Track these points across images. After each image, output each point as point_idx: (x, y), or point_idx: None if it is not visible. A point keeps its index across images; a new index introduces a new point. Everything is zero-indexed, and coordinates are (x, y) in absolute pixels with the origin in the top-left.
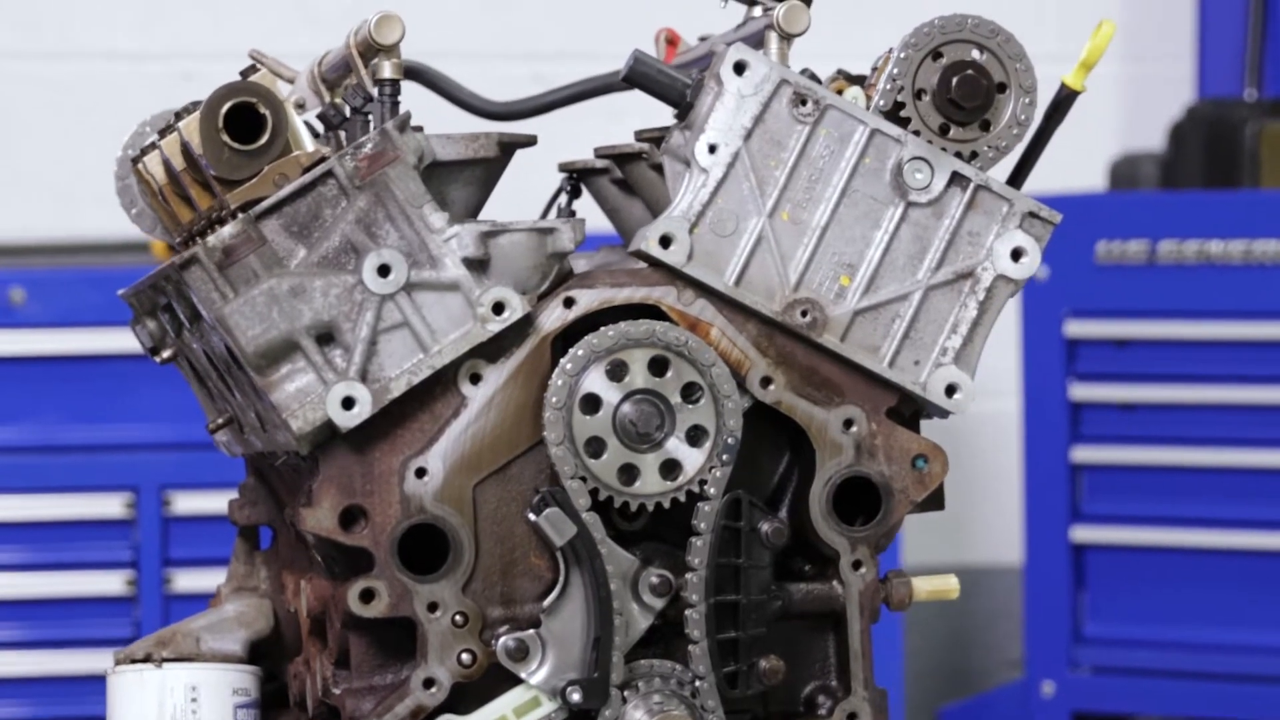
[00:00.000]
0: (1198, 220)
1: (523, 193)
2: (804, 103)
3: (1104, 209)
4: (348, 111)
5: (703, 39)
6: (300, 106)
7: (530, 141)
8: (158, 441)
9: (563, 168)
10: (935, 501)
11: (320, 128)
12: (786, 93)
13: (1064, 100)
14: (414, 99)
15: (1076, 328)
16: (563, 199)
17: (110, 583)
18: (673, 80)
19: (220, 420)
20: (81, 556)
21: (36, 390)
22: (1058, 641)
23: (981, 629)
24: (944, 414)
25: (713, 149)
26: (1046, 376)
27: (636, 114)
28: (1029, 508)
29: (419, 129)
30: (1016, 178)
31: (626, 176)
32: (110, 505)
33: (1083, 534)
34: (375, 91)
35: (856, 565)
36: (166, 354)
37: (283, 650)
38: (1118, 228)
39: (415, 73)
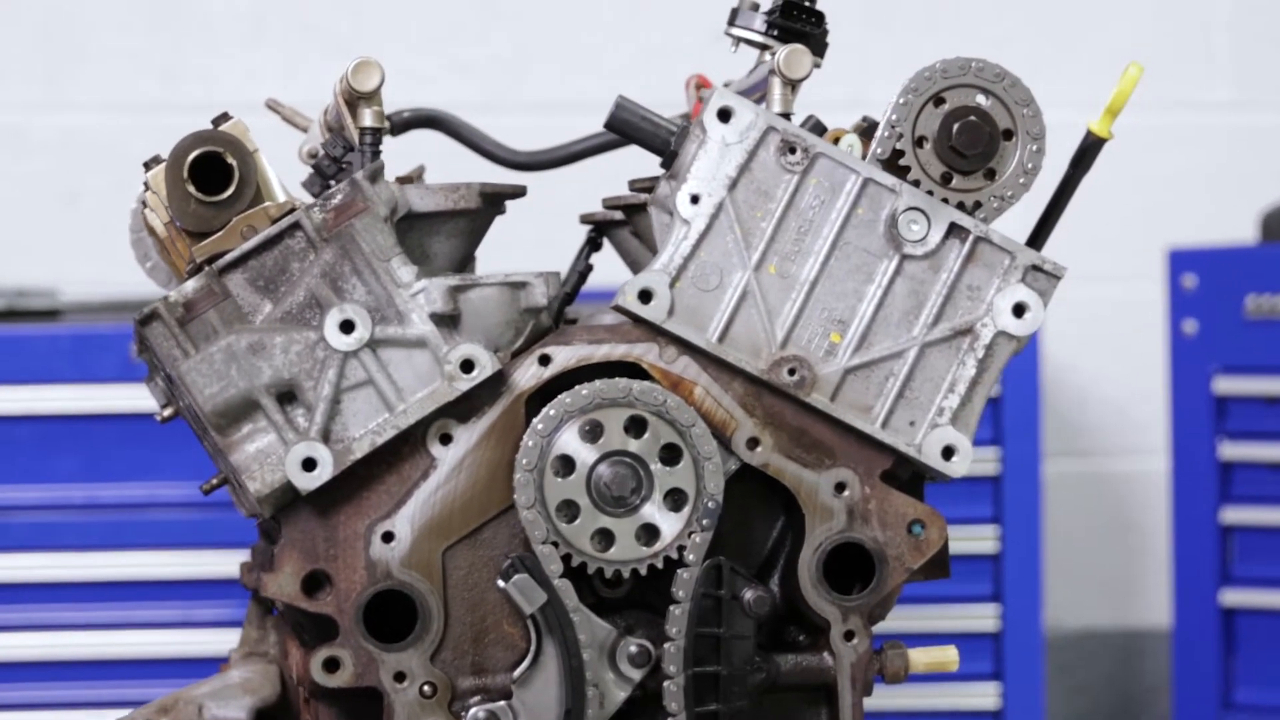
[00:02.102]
0: None
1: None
2: (792, 151)
3: (1254, 262)
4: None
5: (726, 85)
6: (313, 156)
7: (518, 192)
8: None
9: (584, 220)
10: (939, 568)
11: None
12: (774, 140)
13: (1090, 148)
14: (436, 147)
15: (1226, 384)
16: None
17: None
18: (656, 127)
19: (215, 480)
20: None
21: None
22: (1207, 707)
23: (1129, 693)
24: (942, 478)
25: (695, 199)
26: (1195, 435)
27: None
28: (1177, 570)
29: (411, 179)
30: (1040, 232)
31: (634, 227)
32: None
33: (1233, 597)
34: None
35: (849, 636)
36: (168, 412)
37: (291, 718)
38: (1269, 281)
39: (436, 121)
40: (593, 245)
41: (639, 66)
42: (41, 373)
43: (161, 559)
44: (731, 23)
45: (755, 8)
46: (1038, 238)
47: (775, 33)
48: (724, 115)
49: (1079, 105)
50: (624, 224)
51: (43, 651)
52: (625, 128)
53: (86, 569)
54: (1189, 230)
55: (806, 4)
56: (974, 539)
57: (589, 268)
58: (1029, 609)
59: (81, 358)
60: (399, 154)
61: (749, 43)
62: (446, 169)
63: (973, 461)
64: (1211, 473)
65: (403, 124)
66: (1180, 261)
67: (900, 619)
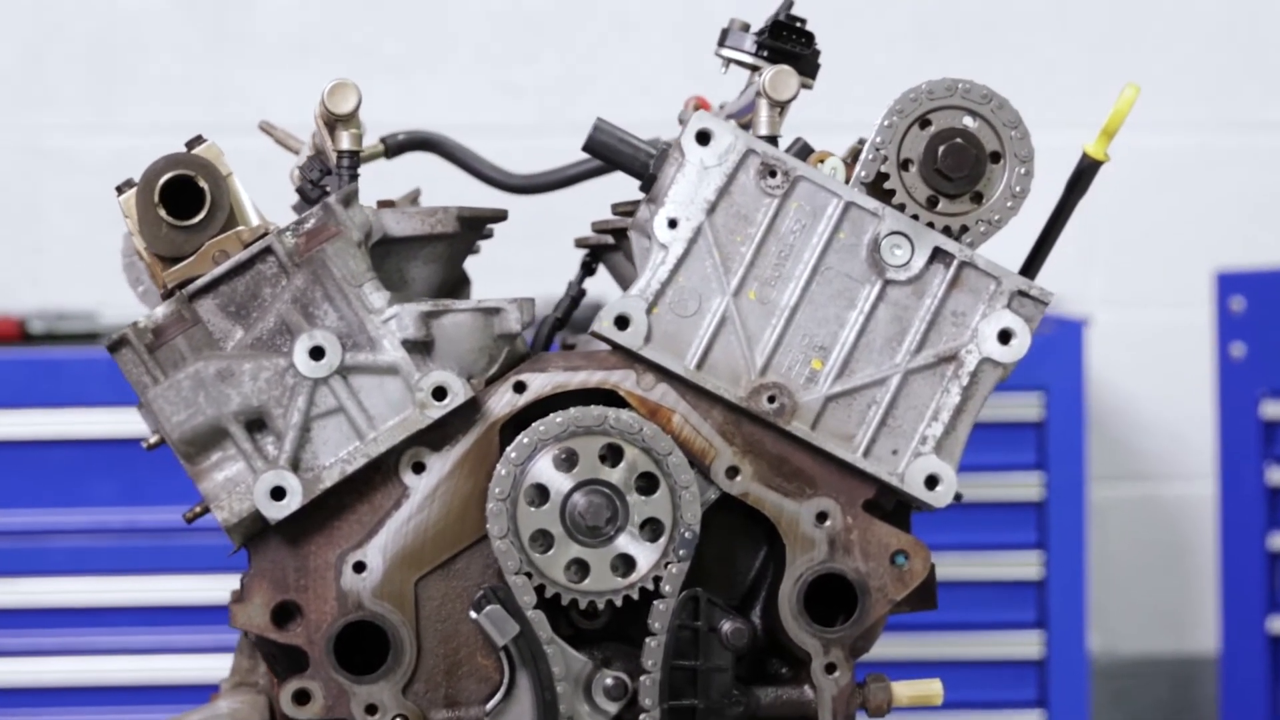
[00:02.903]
0: None
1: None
2: (773, 174)
3: None
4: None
5: (721, 107)
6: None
7: (498, 216)
8: None
9: (578, 243)
10: (926, 600)
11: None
12: (754, 163)
13: (1086, 171)
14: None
15: (1274, 409)
16: (575, 276)
17: None
18: (635, 150)
19: (198, 508)
20: None
21: None
22: None
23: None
24: (927, 508)
25: (673, 223)
26: (1243, 459)
27: None
28: (1225, 596)
29: (394, 203)
30: (1036, 257)
31: (625, 251)
32: None
33: None
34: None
35: (830, 668)
36: (154, 439)
37: None
38: None
39: (431, 144)
40: (587, 270)
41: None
42: (80, 396)
43: (200, 584)
44: (722, 43)
45: (746, 28)
46: (1033, 263)
47: (765, 54)
48: (703, 138)
49: (1136, 128)
50: (616, 248)
51: (80, 676)
52: (604, 150)
53: (125, 594)
54: (1237, 253)
55: (796, 25)
56: (1018, 565)
57: (582, 292)
58: (1073, 635)
59: (120, 381)
60: (402, 176)
61: (739, 64)
62: (444, 192)
63: (1016, 487)
64: (1259, 498)
65: (397, 146)
66: (1228, 284)
67: (942, 646)
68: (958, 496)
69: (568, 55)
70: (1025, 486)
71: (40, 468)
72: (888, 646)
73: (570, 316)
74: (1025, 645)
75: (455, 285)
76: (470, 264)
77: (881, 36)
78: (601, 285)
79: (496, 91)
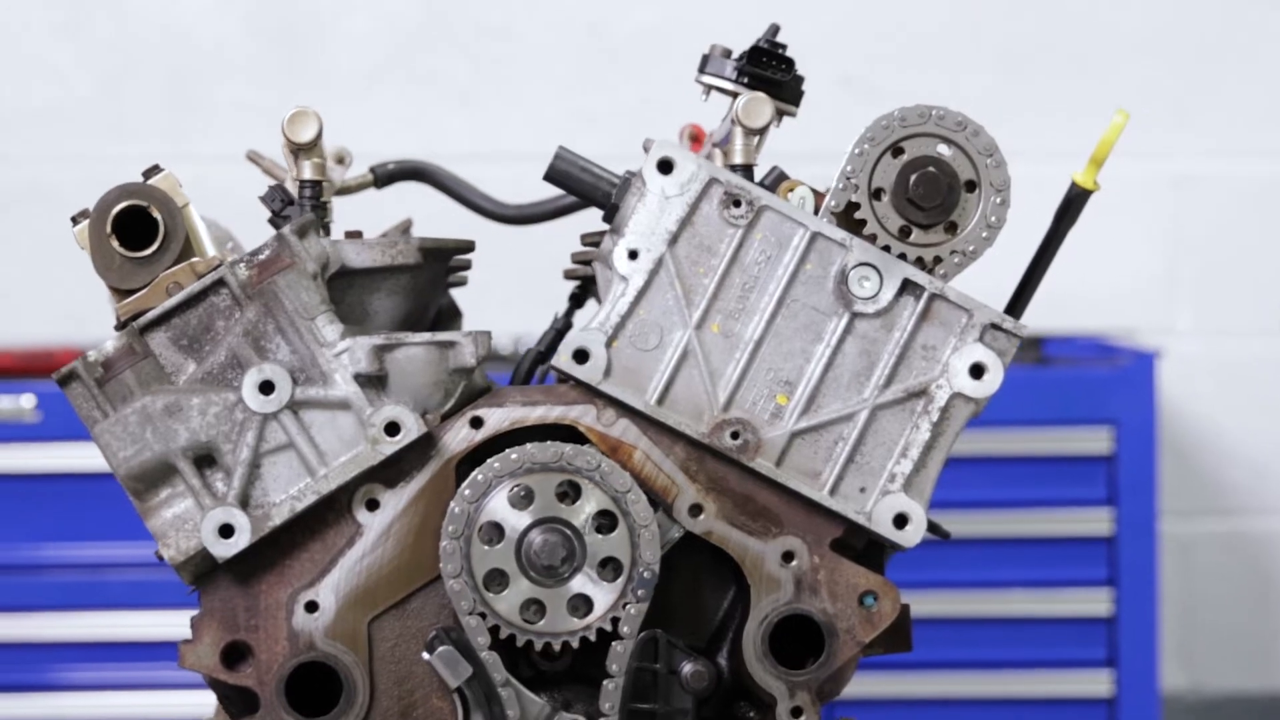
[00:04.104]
0: None
1: None
2: (736, 204)
3: None
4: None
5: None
6: None
7: (464, 247)
8: None
9: (568, 275)
10: (900, 642)
11: None
12: (717, 193)
13: (1074, 200)
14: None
15: None
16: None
17: None
18: (597, 179)
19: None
20: None
21: None
22: None
23: None
24: (895, 547)
25: (633, 255)
26: None
27: None
28: None
29: (360, 234)
30: (1024, 290)
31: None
32: None
33: None
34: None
35: (796, 712)
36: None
37: None
38: None
39: (422, 174)
40: (576, 302)
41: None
42: None
43: None
44: (702, 70)
45: (728, 55)
46: (1021, 296)
47: (745, 80)
48: (664, 167)
49: (1229, 154)
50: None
51: (142, 710)
52: (565, 179)
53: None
54: None
55: (776, 51)
56: (1087, 601)
57: (568, 325)
58: (1144, 674)
59: None
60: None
61: (719, 90)
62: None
63: (1086, 522)
64: None
65: (387, 176)
66: None
67: (1011, 684)
68: (945, 534)
69: (642, 84)
70: (1095, 522)
71: (104, 501)
72: (953, 684)
73: (554, 350)
74: (1095, 684)
75: (424, 317)
76: (475, 295)
77: (966, 65)
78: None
79: (571, 120)
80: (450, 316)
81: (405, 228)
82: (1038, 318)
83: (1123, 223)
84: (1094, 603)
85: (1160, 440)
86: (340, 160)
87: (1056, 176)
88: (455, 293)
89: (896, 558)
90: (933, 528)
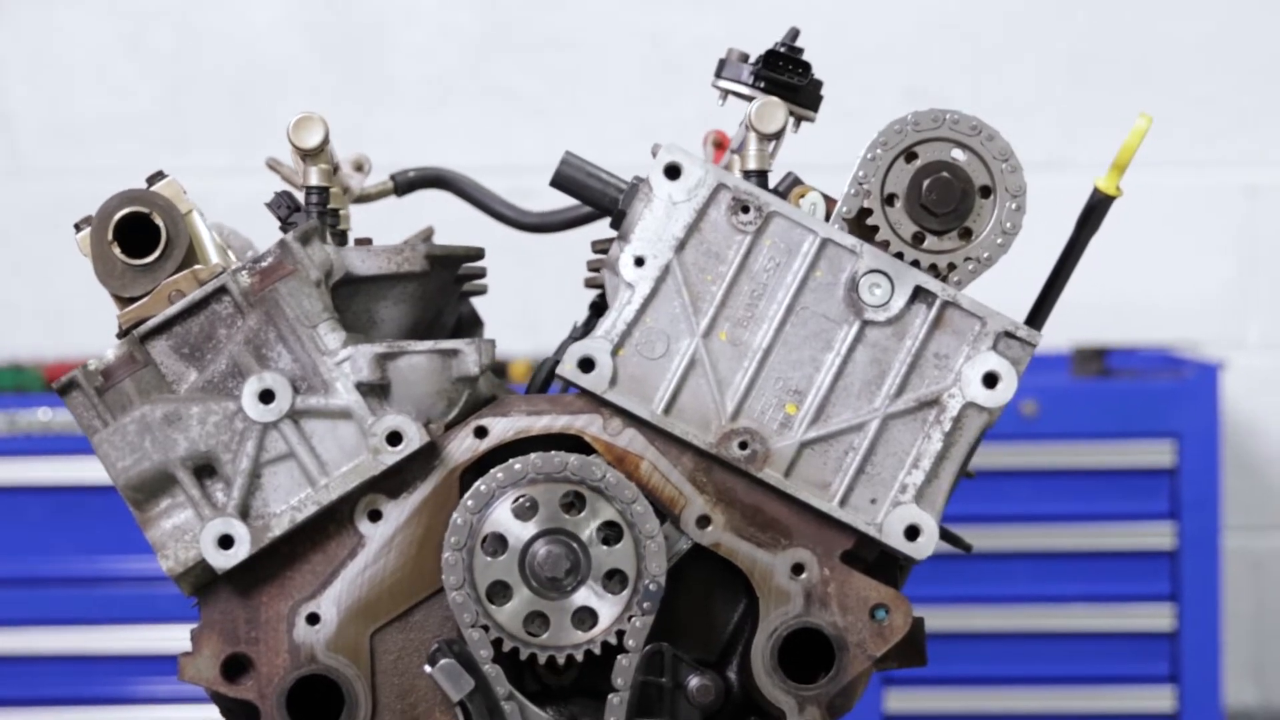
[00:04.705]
0: None
1: None
2: (745, 210)
3: None
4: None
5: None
6: None
7: (472, 255)
8: None
9: (589, 284)
10: (915, 655)
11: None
12: (725, 199)
13: (1097, 206)
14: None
15: None
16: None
17: None
18: (605, 185)
19: None
20: None
21: None
22: None
23: None
24: (907, 560)
25: (640, 262)
26: None
27: None
28: None
29: (369, 241)
30: (1046, 299)
31: None
32: None
33: None
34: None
35: None
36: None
37: None
38: None
39: (444, 181)
40: (596, 310)
41: (827, 131)
42: None
43: None
44: (718, 74)
45: (745, 59)
46: (1042, 305)
47: (761, 85)
48: (671, 172)
49: None
50: None
51: None
52: (571, 185)
53: None
54: None
55: (792, 55)
56: (1149, 616)
57: (586, 334)
58: (1207, 690)
59: None
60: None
61: (736, 95)
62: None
63: (1148, 536)
64: None
65: (407, 184)
66: None
67: (1072, 700)
68: (966, 547)
69: (707, 97)
70: (1157, 535)
71: None
72: (1014, 700)
73: None
74: (1158, 700)
75: (437, 325)
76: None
77: (1032, 76)
78: None
79: (635, 132)
80: (471, 325)
81: (427, 236)
82: (1104, 330)
83: (1192, 234)
84: (1156, 618)
85: (1229, 454)
86: (359, 168)
87: (1126, 187)
88: (486, 301)
89: (956, 571)
90: (953, 540)
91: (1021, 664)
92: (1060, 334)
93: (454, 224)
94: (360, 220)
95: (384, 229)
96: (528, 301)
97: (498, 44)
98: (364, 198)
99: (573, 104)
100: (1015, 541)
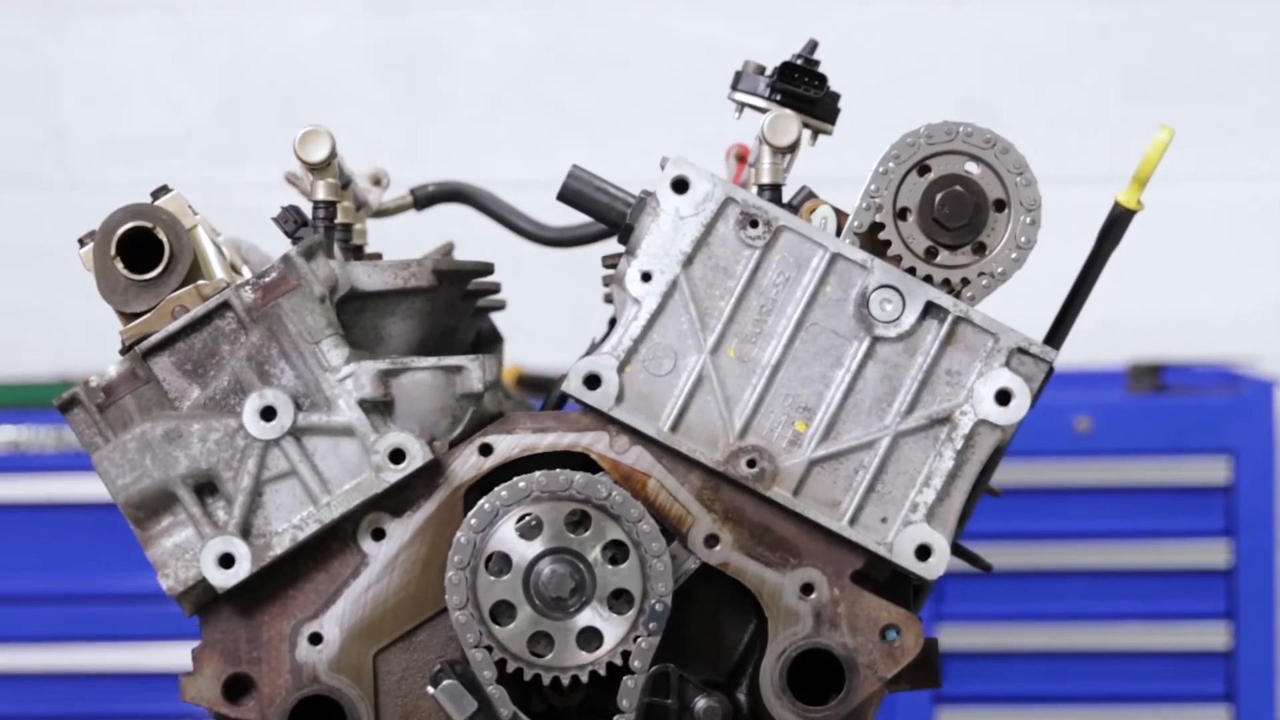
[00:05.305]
0: None
1: None
2: (754, 224)
3: None
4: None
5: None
6: None
7: (481, 270)
8: None
9: (608, 299)
10: (928, 676)
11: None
12: (733, 213)
13: (1118, 220)
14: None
15: None
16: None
17: None
18: (612, 199)
19: None
20: None
21: None
22: None
23: None
24: (919, 580)
25: (647, 277)
26: None
27: None
28: None
29: (379, 256)
30: (1067, 314)
31: None
32: None
33: None
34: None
35: None
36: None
37: None
38: None
39: (463, 195)
40: (613, 325)
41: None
42: None
43: None
44: (734, 87)
45: (761, 71)
46: (1063, 321)
47: (778, 97)
48: (678, 186)
49: None
50: None
51: None
52: (578, 199)
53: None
54: None
55: (809, 67)
56: (1204, 635)
57: None
58: (1263, 709)
59: None
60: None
61: (752, 108)
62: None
63: (1203, 553)
64: None
65: (427, 198)
66: None
67: (1127, 718)
68: (986, 566)
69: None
70: (1212, 553)
71: None
72: (1068, 718)
73: None
74: (1213, 718)
75: (450, 341)
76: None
77: (1086, 89)
78: None
79: (683, 145)
80: (491, 341)
81: (447, 250)
82: (1159, 346)
83: (1248, 248)
84: (1211, 636)
85: None
86: (377, 181)
87: (1179, 200)
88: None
89: (1010, 589)
90: (972, 559)
91: (1075, 682)
92: (1115, 350)
93: (485, 240)
94: (405, 234)
95: (419, 243)
96: (580, 315)
97: (552, 59)
98: (382, 212)
99: (622, 117)
100: (1070, 559)
